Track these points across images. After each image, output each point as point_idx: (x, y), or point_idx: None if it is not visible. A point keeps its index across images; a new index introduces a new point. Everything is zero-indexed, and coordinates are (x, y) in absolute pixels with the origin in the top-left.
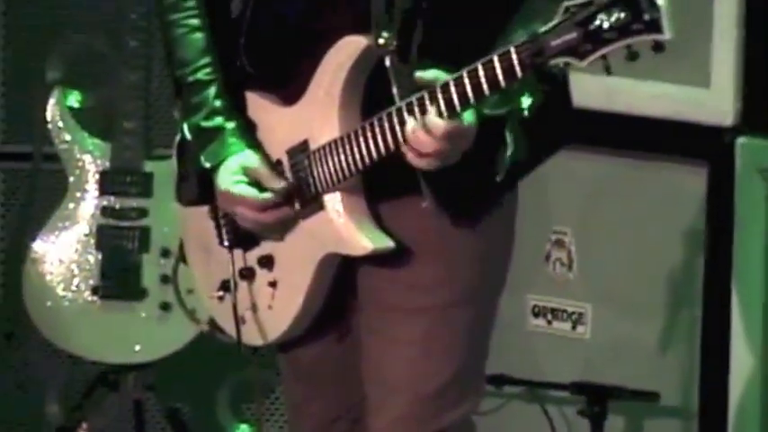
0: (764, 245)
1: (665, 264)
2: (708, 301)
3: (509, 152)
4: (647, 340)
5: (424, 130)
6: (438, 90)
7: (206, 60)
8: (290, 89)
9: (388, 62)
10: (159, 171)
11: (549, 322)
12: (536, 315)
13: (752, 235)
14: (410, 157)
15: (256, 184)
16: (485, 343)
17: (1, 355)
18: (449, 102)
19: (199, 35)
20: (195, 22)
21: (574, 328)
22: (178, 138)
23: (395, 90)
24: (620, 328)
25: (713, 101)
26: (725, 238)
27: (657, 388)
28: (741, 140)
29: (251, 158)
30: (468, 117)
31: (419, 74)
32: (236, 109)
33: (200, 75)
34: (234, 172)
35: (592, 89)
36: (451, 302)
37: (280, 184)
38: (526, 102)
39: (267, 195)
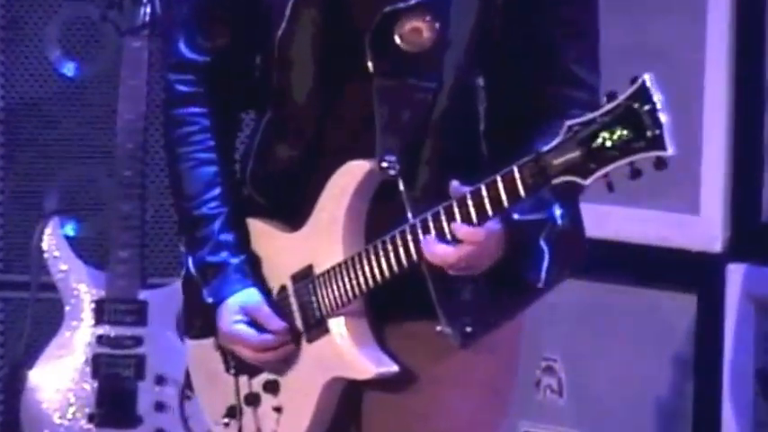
0: (754, 372)
1: (654, 391)
2: (698, 429)
3: (546, 261)
4: None
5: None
6: (455, 203)
7: (213, 194)
8: (294, 214)
9: (401, 185)
10: (154, 299)
11: None
12: None
13: (742, 364)
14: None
15: (256, 324)
16: None
17: None
18: (478, 209)
19: (206, 169)
20: (203, 156)
21: None
22: (183, 272)
23: (409, 212)
24: None
25: (702, 227)
26: (715, 365)
27: None
28: (731, 267)
29: (252, 297)
30: (492, 225)
31: (455, 184)
32: (243, 241)
33: (206, 209)
34: (234, 312)
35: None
36: None
37: (279, 326)
38: (558, 211)
39: (266, 337)
